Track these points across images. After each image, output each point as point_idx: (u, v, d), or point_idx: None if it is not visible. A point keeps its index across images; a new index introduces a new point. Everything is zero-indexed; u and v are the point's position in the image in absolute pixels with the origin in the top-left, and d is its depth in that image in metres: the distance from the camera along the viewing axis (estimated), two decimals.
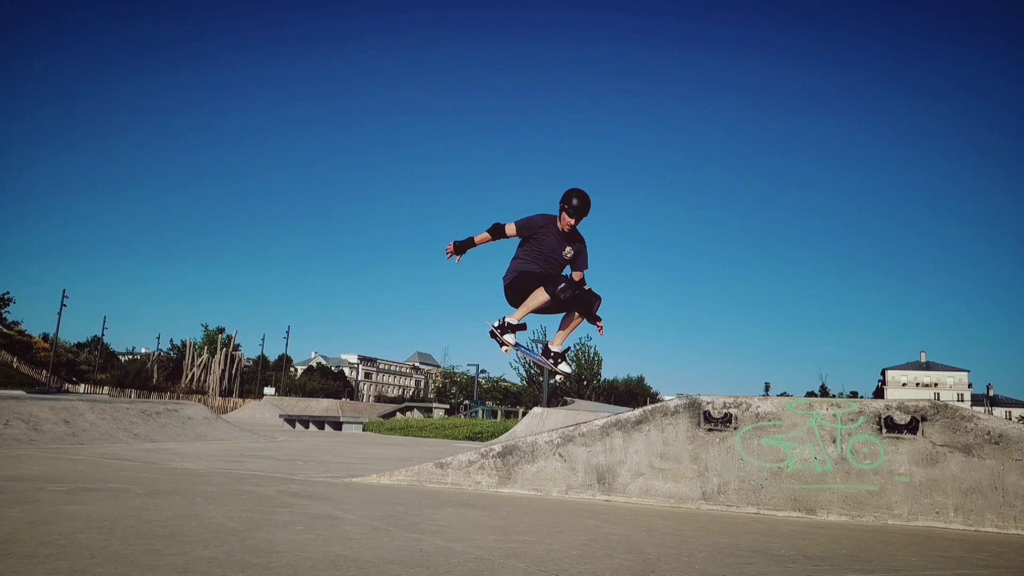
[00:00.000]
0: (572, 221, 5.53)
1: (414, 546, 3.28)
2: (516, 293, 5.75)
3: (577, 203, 5.51)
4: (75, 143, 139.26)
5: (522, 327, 5.87)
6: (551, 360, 5.92)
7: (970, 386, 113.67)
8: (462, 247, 5.75)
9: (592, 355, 57.71)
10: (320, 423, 29.79)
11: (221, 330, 77.87)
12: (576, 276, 5.76)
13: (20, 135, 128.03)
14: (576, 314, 5.80)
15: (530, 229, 5.68)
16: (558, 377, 5.97)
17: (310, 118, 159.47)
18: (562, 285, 5.45)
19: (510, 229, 5.70)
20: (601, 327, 5.74)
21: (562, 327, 5.92)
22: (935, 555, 3.89)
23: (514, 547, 3.40)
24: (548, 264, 5.68)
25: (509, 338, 5.79)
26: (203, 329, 79.03)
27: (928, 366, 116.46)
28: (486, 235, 5.76)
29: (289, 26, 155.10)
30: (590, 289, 5.73)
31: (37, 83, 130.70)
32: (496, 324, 5.80)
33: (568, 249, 5.66)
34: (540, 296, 5.54)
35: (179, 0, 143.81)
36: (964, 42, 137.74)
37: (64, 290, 57.49)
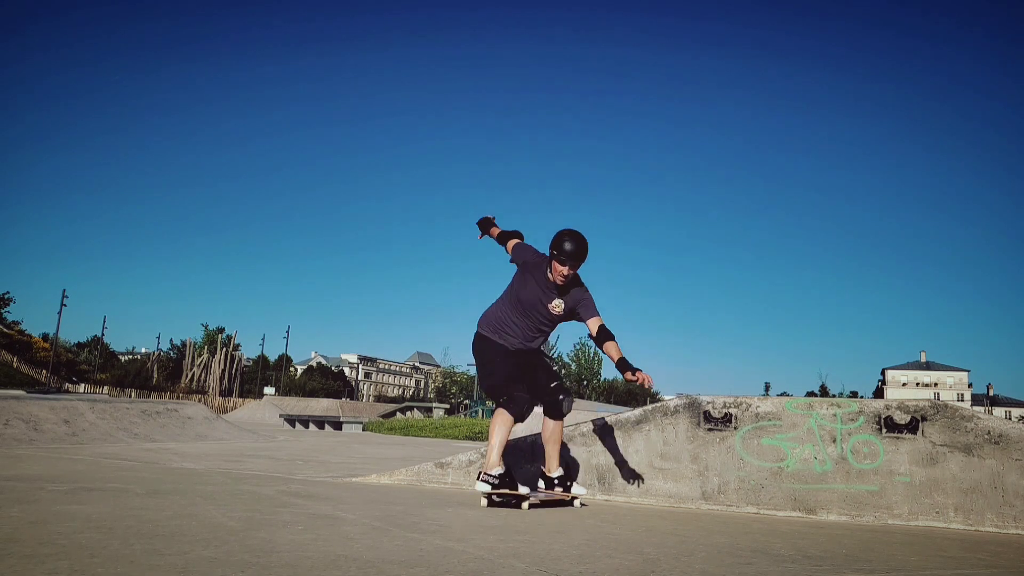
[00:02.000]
0: (565, 270, 4.46)
1: (414, 546, 3.28)
2: (475, 354, 4.92)
3: (571, 248, 4.42)
4: (75, 143, 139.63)
5: (507, 472, 4.77)
6: (559, 488, 5.05)
7: (970, 386, 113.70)
8: (485, 226, 5.13)
9: (592, 355, 57.70)
10: (320, 423, 29.79)
11: (221, 330, 77.99)
12: (592, 326, 4.70)
13: (20, 135, 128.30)
14: (551, 421, 4.96)
15: (519, 258, 4.82)
16: (577, 502, 5.13)
17: (310, 118, 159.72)
18: (525, 402, 4.65)
19: (509, 246, 4.93)
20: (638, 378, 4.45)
21: (546, 444, 5.09)
22: (935, 555, 3.89)
23: (514, 547, 3.40)
24: (525, 316, 4.68)
25: (523, 489, 4.74)
26: (203, 329, 79.19)
27: (928, 366, 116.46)
28: (497, 232, 5.05)
29: (289, 26, 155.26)
30: (558, 384, 4.83)
31: (37, 83, 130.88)
32: (490, 490, 4.72)
33: (557, 302, 4.62)
34: (507, 426, 4.74)
35: (179, 0, 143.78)
36: (964, 42, 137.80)
37: (64, 290, 57.73)
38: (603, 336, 4.65)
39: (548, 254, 4.57)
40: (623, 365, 4.53)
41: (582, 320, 4.73)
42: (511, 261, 4.91)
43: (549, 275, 4.58)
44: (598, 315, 4.70)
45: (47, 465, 6.44)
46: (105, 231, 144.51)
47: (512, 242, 4.95)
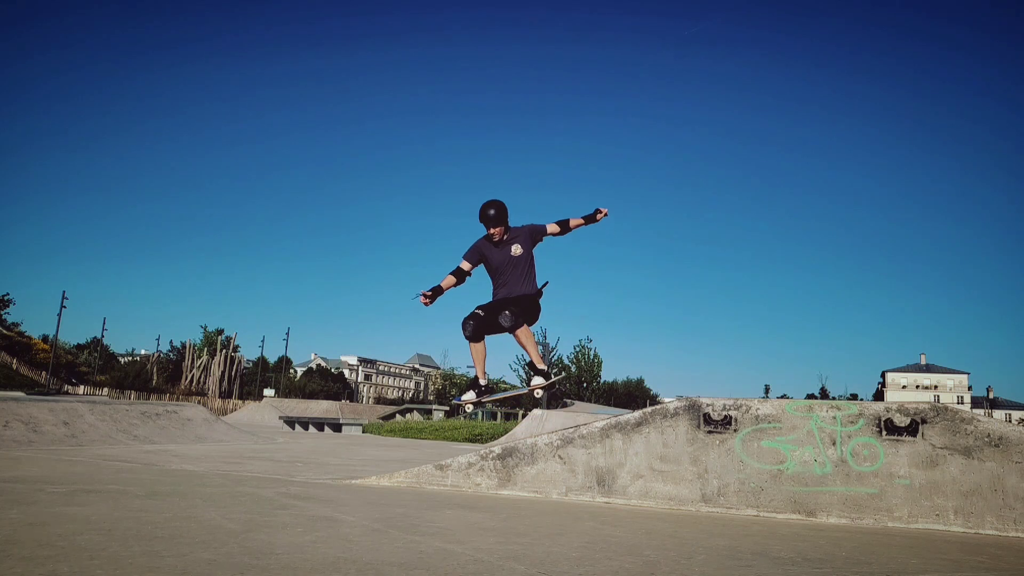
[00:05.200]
0: (493, 231, 5.71)
1: (414, 548, 3.28)
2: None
3: (493, 213, 5.69)
4: (75, 143, 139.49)
5: (489, 386, 6.13)
6: (532, 382, 6.13)
7: (970, 388, 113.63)
8: (434, 296, 5.84)
9: (592, 357, 57.68)
10: (320, 425, 29.79)
11: (221, 331, 77.86)
12: (552, 229, 5.83)
13: (20, 135, 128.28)
14: (517, 332, 5.79)
15: (477, 254, 5.89)
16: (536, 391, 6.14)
17: (310, 119, 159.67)
18: (467, 327, 5.74)
19: (465, 266, 5.89)
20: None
21: (527, 349, 5.96)
22: (935, 557, 3.88)
23: (514, 549, 3.40)
24: (504, 274, 5.82)
25: (541, 389, 6.13)
26: (203, 330, 79.05)
27: (928, 368, 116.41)
28: (451, 279, 5.88)
29: (289, 26, 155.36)
30: (501, 304, 5.72)
31: (37, 83, 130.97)
32: (476, 394, 6.09)
33: (515, 247, 5.77)
34: (475, 350, 5.92)
35: (179, 0, 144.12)
36: (964, 42, 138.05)
37: (64, 291, 57.55)
38: (564, 223, 5.82)
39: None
40: (588, 218, 5.78)
41: (546, 234, 5.86)
42: (476, 264, 5.94)
43: (492, 240, 5.76)
44: (549, 223, 5.90)
45: (46, 467, 6.43)
46: (105, 232, 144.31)
47: (462, 263, 5.91)
